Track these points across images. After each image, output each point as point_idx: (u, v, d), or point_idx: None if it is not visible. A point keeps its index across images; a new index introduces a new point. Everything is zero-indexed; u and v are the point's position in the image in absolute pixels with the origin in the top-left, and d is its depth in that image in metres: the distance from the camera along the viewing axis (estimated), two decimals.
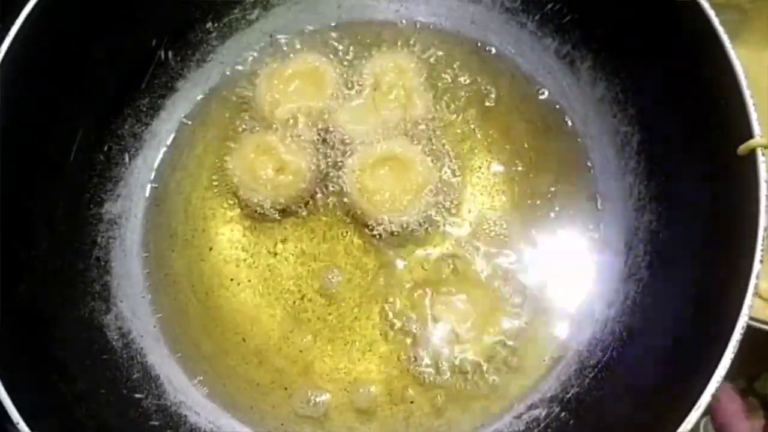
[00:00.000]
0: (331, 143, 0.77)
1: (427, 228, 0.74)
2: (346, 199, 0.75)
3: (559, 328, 0.72)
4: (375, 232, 0.73)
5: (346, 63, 0.82)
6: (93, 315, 0.71)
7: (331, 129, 0.77)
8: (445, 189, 0.76)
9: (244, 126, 0.80)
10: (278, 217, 0.77)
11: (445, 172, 0.77)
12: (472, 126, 0.80)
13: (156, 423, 0.68)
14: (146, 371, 0.71)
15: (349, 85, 0.80)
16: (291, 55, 0.83)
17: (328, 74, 0.79)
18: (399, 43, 0.83)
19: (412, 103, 0.77)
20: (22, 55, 0.62)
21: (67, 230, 0.72)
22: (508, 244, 0.74)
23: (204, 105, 0.83)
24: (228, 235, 0.77)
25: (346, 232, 0.76)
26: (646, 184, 0.71)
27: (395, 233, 0.73)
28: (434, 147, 0.78)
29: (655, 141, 0.70)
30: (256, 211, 0.76)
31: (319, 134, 0.77)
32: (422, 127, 0.78)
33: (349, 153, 0.76)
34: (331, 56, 0.82)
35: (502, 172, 0.78)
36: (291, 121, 0.77)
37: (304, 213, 0.77)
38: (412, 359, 0.70)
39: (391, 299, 0.73)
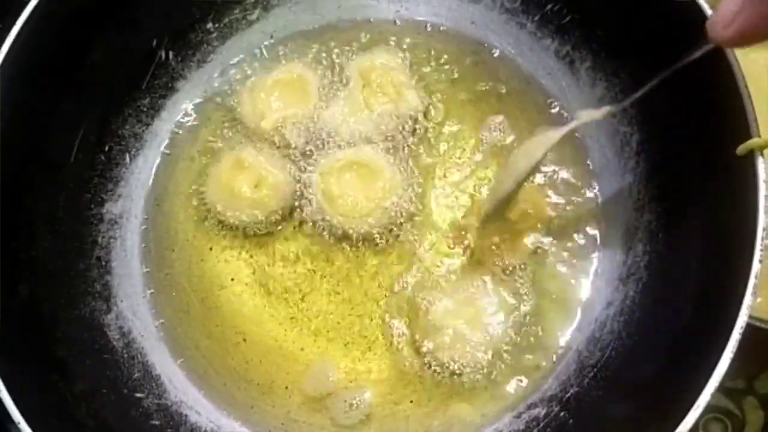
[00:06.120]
0: (320, 146, 0.77)
1: (427, 230, 0.75)
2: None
3: (558, 328, 0.72)
4: (372, 237, 0.74)
5: (347, 63, 0.82)
6: (94, 315, 0.71)
7: (323, 131, 0.77)
8: (445, 190, 0.76)
9: (232, 134, 0.80)
10: (275, 221, 0.76)
11: (445, 173, 0.77)
12: (471, 127, 0.80)
13: (157, 422, 0.68)
14: (147, 371, 0.71)
15: (342, 85, 0.79)
16: (291, 56, 0.83)
17: (313, 81, 0.79)
18: (399, 44, 0.83)
19: (403, 98, 0.77)
20: (22, 55, 0.62)
21: (68, 230, 0.72)
22: (508, 244, 0.74)
23: (204, 105, 0.83)
24: (228, 235, 0.77)
25: (344, 235, 0.75)
26: (646, 184, 0.71)
27: (387, 237, 0.74)
28: (432, 148, 0.78)
29: (654, 141, 0.70)
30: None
31: (308, 138, 0.77)
32: (417, 127, 0.78)
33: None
34: (331, 56, 0.82)
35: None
36: (278, 129, 0.77)
37: (304, 214, 0.77)
38: (412, 359, 0.71)
39: (390, 300, 0.73)
